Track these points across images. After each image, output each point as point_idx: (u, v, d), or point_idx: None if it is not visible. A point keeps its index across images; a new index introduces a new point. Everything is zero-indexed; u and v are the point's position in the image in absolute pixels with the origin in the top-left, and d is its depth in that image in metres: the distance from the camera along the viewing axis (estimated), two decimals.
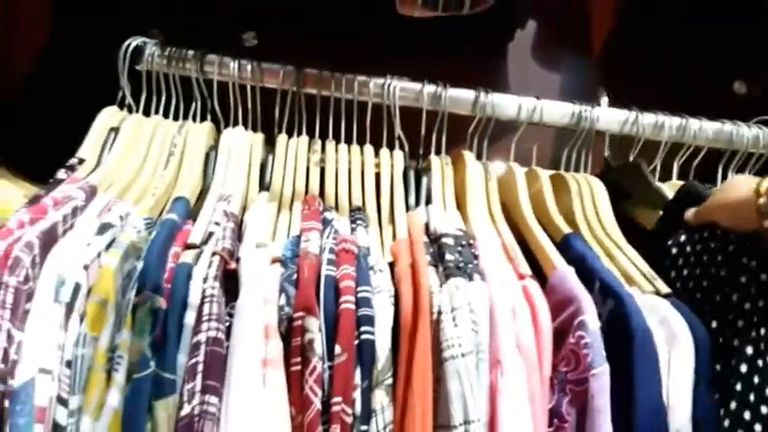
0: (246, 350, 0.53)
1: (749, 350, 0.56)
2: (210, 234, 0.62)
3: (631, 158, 0.82)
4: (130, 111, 0.77)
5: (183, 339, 0.54)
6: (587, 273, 0.60)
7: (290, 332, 0.55)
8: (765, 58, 0.97)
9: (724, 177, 0.83)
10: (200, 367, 0.52)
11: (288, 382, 0.54)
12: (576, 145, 0.81)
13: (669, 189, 0.77)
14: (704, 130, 0.81)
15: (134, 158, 0.71)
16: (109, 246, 0.58)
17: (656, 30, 0.98)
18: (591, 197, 0.74)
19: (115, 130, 0.73)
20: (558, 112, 0.81)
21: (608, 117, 0.81)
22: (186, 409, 0.51)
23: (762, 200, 0.57)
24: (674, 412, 0.53)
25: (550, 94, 0.83)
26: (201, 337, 0.53)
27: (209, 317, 0.54)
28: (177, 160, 0.73)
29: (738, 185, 0.62)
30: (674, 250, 0.67)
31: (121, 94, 0.78)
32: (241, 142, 0.76)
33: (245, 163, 0.74)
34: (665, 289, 0.61)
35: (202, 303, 0.54)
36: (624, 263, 0.65)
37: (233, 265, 0.58)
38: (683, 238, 0.67)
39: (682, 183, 0.79)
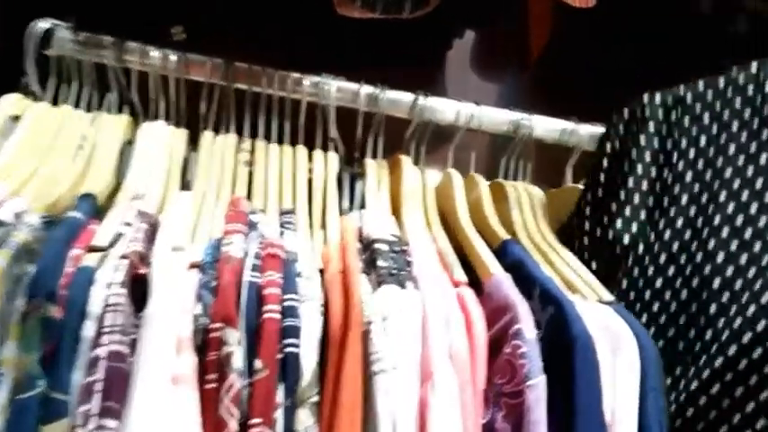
0: (154, 365, 0.47)
1: None
2: (120, 235, 0.56)
3: (568, 169, 0.82)
4: (36, 99, 0.70)
5: (79, 354, 0.48)
6: (526, 279, 0.58)
7: (205, 345, 0.49)
8: (698, 75, 0.99)
9: None
10: (99, 386, 0.46)
11: (201, 401, 0.48)
12: (515, 153, 0.80)
13: None
14: None
15: (36, 150, 0.64)
16: None
17: (593, 43, 0.99)
18: (530, 205, 0.73)
19: (16, 118, 0.65)
20: (496, 118, 0.79)
21: (546, 126, 0.81)
22: None
23: None
24: (619, 423, 0.51)
25: (488, 103, 0.81)
26: (101, 351, 0.47)
27: (111, 328, 0.48)
28: (87, 154, 0.66)
29: None
30: None
31: (25, 81, 0.70)
32: (161, 137, 0.70)
33: (165, 160, 0.68)
34: (607, 296, 0.60)
35: (104, 313, 0.48)
36: (565, 270, 0.63)
37: (143, 270, 0.53)
38: None
39: None
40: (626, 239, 0.65)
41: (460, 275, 0.59)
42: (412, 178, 0.73)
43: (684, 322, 0.60)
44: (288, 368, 0.50)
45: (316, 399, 0.50)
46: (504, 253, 0.64)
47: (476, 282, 0.61)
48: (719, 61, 0.90)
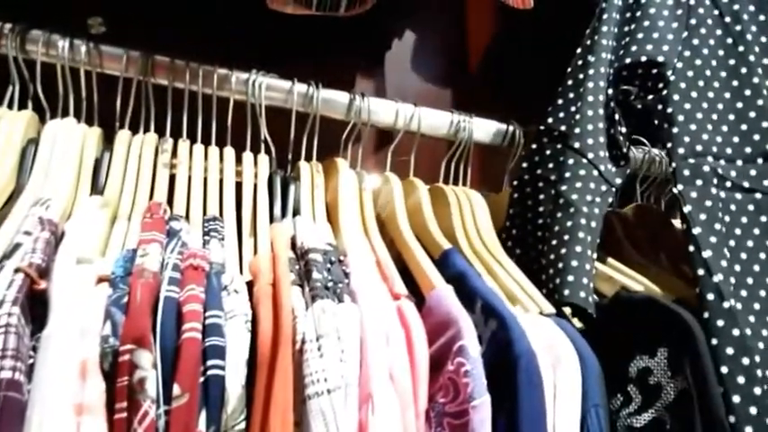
0: (55, 394, 0.42)
1: None
2: (17, 246, 0.49)
3: (508, 173, 0.80)
4: None
5: None
6: (468, 292, 0.56)
7: (115, 369, 0.44)
8: None
9: None
10: None
11: None
12: (455, 157, 0.78)
13: None
14: None
15: None
16: None
17: (530, 48, 0.99)
18: (471, 211, 0.71)
19: None
20: (436, 120, 0.77)
21: (485, 129, 0.79)
22: None
23: None
24: None
25: (428, 105, 0.78)
26: None
27: (2, 352, 0.41)
28: None
29: None
30: None
31: None
32: (70, 136, 0.63)
33: (75, 161, 0.62)
34: (548, 308, 0.58)
35: None
36: (506, 281, 0.61)
37: (43, 285, 0.46)
38: None
39: None
40: None
41: (401, 288, 0.56)
42: (349, 183, 0.69)
43: None
44: (210, 393, 0.45)
45: (243, 425, 0.46)
46: (445, 263, 0.61)
47: (416, 293, 0.58)
48: None
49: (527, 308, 0.57)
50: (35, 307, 0.46)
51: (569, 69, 0.73)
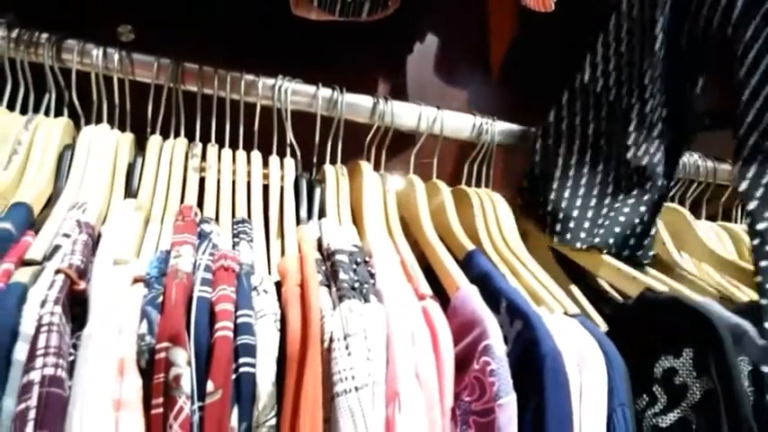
0: (94, 390, 0.43)
1: None
2: (57, 248, 0.51)
3: None
4: None
5: (10, 379, 0.43)
6: (493, 292, 0.56)
7: (151, 367, 0.45)
8: None
9: None
10: (33, 414, 0.41)
11: (147, 427, 0.44)
12: (478, 159, 0.78)
13: None
14: None
15: None
16: None
17: (552, 50, 0.99)
18: (494, 213, 0.71)
19: None
20: (459, 123, 0.78)
21: (508, 131, 0.79)
22: None
23: None
24: None
25: (451, 108, 0.79)
26: (35, 375, 0.42)
27: (45, 350, 0.43)
28: (22, 159, 0.61)
29: None
30: None
31: None
32: (104, 142, 0.65)
33: (109, 166, 0.64)
34: (573, 309, 0.58)
35: (38, 333, 0.44)
36: (531, 281, 0.61)
37: (82, 286, 0.48)
38: None
39: None
40: None
41: (426, 288, 0.57)
42: (373, 185, 0.70)
43: None
44: (242, 390, 0.47)
45: (273, 422, 0.47)
46: (469, 264, 0.62)
47: (440, 293, 0.59)
48: None
49: (552, 308, 0.58)
50: (75, 307, 0.48)
51: None
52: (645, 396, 0.58)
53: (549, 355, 0.50)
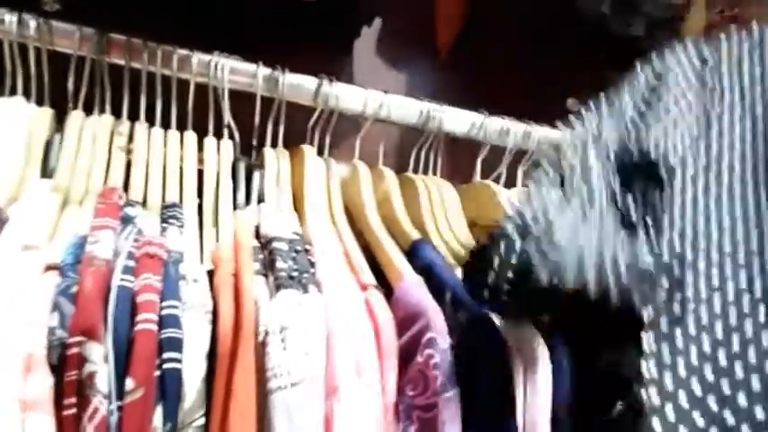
0: None
1: None
2: None
3: (478, 164, 0.79)
4: None
5: None
6: (438, 283, 0.54)
7: (63, 363, 0.41)
8: (597, 78, 1.01)
9: None
10: None
11: (59, 430, 0.40)
12: (425, 146, 0.76)
13: (515, 197, 0.75)
14: (547, 137, 0.80)
15: None
16: None
17: (500, 38, 0.98)
18: (441, 201, 0.69)
19: None
20: (406, 109, 0.75)
21: (456, 119, 0.77)
22: None
23: None
24: None
25: (396, 93, 0.77)
26: None
27: None
28: None
29: None
30: None
31: None
32: (18, 116, 0.59)
33: (23, 142, 0.58)
34: None
35: None
36: None
37: None
38: None
39: (526, 189, 0.78)
40: None
41: (369, 278, 0.55)
42: (315, 170, 0.67)
43: None
44: (167, 387, 0.43)
45: (202, 422, 0.44)
46: (414, 254, 0.60)
47: (384, 284, 0.56)
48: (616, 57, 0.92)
49: None
50: None
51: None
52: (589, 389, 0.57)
53: (493, 344, 0.48)
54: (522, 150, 0.80)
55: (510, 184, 0.79)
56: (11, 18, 0.61)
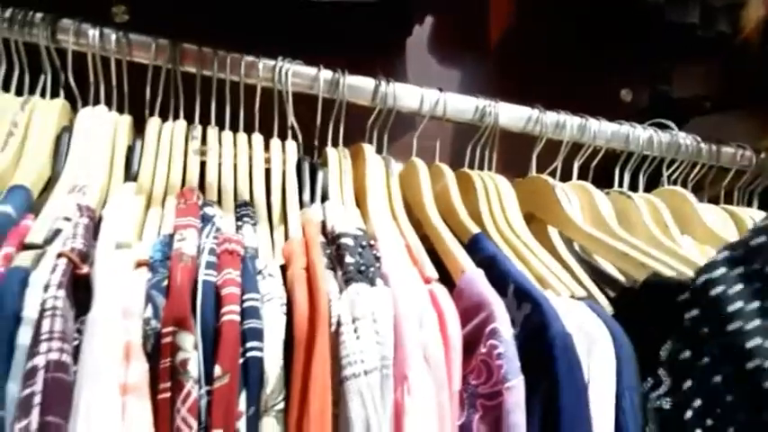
0: (100, 374, 0.43)
1: None
2: (57, 231, 0.50)
3: (534, 158, 0.80)
4: None
5: (14, 364, 0.42)
6: (500, 276, 0.56)
7: (157, 351, 0.45)
8: (649, 68, 1.00)
9: (620, 179, 0.83)
10: (38, 399, 0.41)
11: (155, 412, 0.44)
12: (480, 142, 0.77)
13: (571, 190, 0.75)
14: (603, 130, 0.80)
15: None
16: None
17: (551, 33, 0.98)
18: (497, 196, 0.71)
19: None
20: (461, 105, 0.77)
21: (511, 114, 0.78)
22: None
23: None
24: (595, 424, 0.49)
25: (449, 90, 0.78)
26: (39, 360, 0.42)
27: (50, 335, 0.42)
28: (18, 142, 0.60)
29: None
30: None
31: None
32: (102, 124, 0.64)
33: (107, 148, 0.63)
34: (579, 292, 0.58)
35: (41, 318, 0.43)
36: (536, 265, 0.61)
37: (85, 270, 0.47)
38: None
39: (583, 184, 0.79)
40: None
41: (432, 272, 0.57)
42: (375, 168, 0.69)
43: None
44: (250, 374, 0.46)
45: (282, 406, 0.47)
46: (474, 247, 0.61)
47: (446, 278, 0.58)
48: (677, 44, 0.91)
49: (558, 291, 0.57)
50: (77, 291, 0.47)
51: None
52: (650, 379, 0.57)
53: (558, 337, 0.49)
54: (578, 144, 0.81)
55: (565, 177, 0.80)
56: (94, 32, 0.66)
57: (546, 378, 0.48)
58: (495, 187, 0.72)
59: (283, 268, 0.54)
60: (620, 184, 0.83)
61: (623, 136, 0.81)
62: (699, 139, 0.84)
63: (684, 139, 0.84)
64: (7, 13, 0.65)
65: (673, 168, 0.85)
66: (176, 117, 0.69)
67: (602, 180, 0.81)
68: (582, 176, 0.81)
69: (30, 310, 0.43)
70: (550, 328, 0.50)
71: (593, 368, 0.51)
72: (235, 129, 0.70)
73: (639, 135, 0.81)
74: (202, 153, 0.66)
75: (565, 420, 0.47)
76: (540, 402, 0.48)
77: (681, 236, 0.73)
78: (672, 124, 0.85)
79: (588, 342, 0.51)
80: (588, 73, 0.99)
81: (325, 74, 0.72)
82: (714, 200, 0.87)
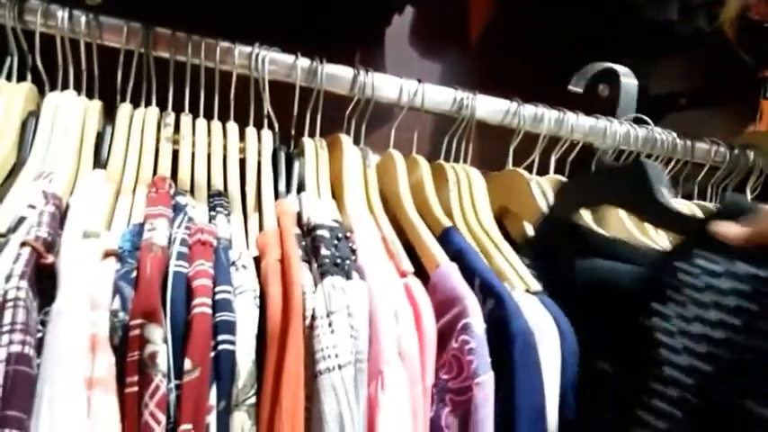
0: (65, 368, 0.42)
1: None
2: (21, 219, 0.49)
3: (511, 151, 0.80)
4: None
5: None
6: (467, 270, 0.56)
7: (125, 344, 0.44)
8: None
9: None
10: None
11: (122, 407, 0.43)
12: (457, 134, 0.77)
13: (547, 184, 0.75)
14: (580, 124, 0.81)
15: None
16: None
17: (529, 29, 0.98)
18: (468, 189, 0.70)
19: None
20: (439, 97, 0.76)
21: (489, 107, 0.78)
22: None
23: None
24: None
25: (430, 82, 0.78)
26: (0, 352, 0.40)
27: (11, 326, 0.41)
28: None
29: None
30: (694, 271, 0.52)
31: None
32: (71, 109, 0.62)
33: (76, 134, 0.61)
34: (535, 286, 0.58)
35: (3, 309, 0.41)
36: (497, 258, 0.61)
37: (50, 260, 0.46)
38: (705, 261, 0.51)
39: (559, 178, 0.79)
40: None
41: (407, 265, 0.56)
42: (353, 159, 0.69)
43: None
44: (221, 368, 0.45)
45: (253, 400, 0.46)
46: (445, 241, 0.61)
47: (420, 271, 0.58)
48: (654, 40, 0.92)
49: (514, 285, 0.57)
50: (42, 281, 0.45)
51: None
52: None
53: (519, 334, 0.50)
54: (555, 137, 0.81)
55: (542, 171, 0.80)
56: (62, 14, 0.63)
57: (505, 374, 0.49)
58: (467, 180, 0.71)
59: (257, 260, 0.53)
60: None
61: (601, 130, 0.82)
62: (675, 134, 0.85)
63: (660, 134, 0.84)
64: None
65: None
66: (148, 103, 0.67)
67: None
68: (559, 170, 0.81)
69: None
70: (512, 324, 0.50)
71: (543, 362, 0.51)
72: (209, 117, 0.68)
73: (617, 130, 0.82)
74: (175, 141, 0.65)
75: (520, 415, 0.48)
76: (501, 397, 0.49)
77: (655, 231, 0.74)
78: (647, 119, 0.85)
79: (539, 335, 0.51)
80: (566, 69, 0.99)
81: (303, 62, 0.71)
82: (688, 196, 0.88)
